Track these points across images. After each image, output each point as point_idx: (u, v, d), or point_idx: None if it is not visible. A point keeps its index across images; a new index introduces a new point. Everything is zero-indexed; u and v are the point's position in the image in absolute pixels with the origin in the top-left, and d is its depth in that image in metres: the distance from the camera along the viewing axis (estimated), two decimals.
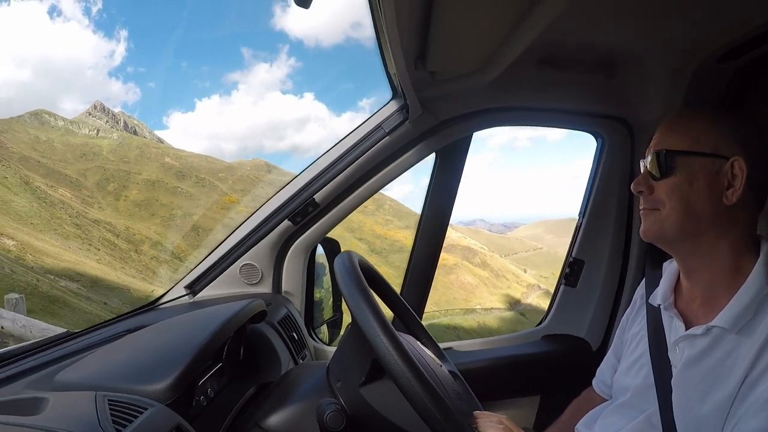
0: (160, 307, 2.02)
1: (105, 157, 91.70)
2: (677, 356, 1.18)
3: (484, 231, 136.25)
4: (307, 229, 2.07)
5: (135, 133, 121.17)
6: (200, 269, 2.08)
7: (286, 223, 2.01)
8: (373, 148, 1.92)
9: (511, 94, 1.93)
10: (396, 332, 0.94)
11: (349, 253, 1.22)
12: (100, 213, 61.22)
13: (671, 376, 1.17)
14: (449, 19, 1.28)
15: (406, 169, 2.02)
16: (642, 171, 1.25)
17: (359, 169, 1.96)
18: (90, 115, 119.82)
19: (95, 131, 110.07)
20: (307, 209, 1.99)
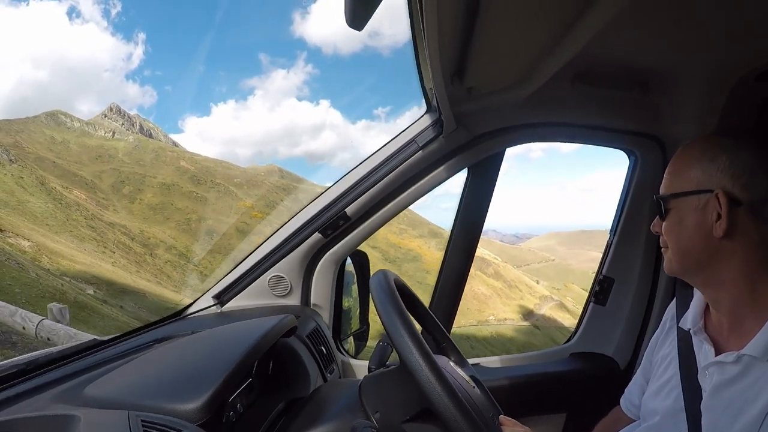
0: (189, 316, 2.03)
1: (120, 160, 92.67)
2: (707, 381, 1.17)
3: (496, 241, 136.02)
4: (338, 242, 2.08)
5: (150, 136, 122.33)
6: (228, 279, 2.08)
7: (316, 235, 2.01)
8: (405, 163, 1.92)
9: (546, 109, 1.93)
10: (447, 378, 0.95)
11: (385, 274, 1.21)
12: (114, 216, 61.66)
13: (701, 400, 1.17)
14: (489, 36, 1.29)
15: (438, 184, 2.01)
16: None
17: (391, 184, 1.96)
18: (106, 117, 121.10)
19: (111, 133, 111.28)
20: (338, 222, 2.00)
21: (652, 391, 1.37)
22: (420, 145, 1.90)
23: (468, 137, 1.95)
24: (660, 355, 1.40)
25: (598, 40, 1.25)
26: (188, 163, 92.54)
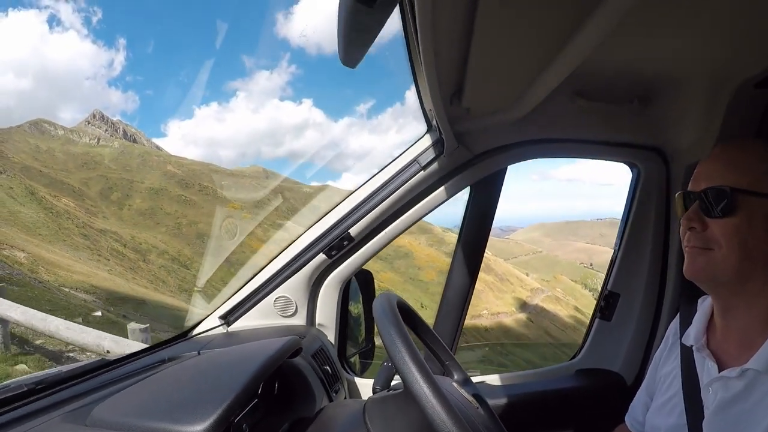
0: (196, 337, 2.04)
1: (107, 166, 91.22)
2: (710, 398, 1.15)
3: None
4: (342, 263, 2.08)
5: (135, 141, 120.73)
6: (235, 300, 2.09)
7: (321, 256, 2.02)
8: (408, 183, 1.93)
9: (546, 126, 1.94)
10: (452, 405, 0.91)
11: (388, 298, 1.18)
12: (105, 223, 60.89)
13: (703, 418, 1.15)
14: (485, 57, 1.28)
15: (441, 203, 2.01)
16: (684, 202, 1.22)
17: (394, 204, 1.97)
18: (89, 123, 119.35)
19: (96, 140, 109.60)
20: (342, 243, 2.01)
21: (655, 407, 1.37)
22: (422, 164, 1.91)
23: (469, 156, 1.96)
24: (663, 372, 1.38)
25: (595, 55, 1.23)
26: (175, 167, 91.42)
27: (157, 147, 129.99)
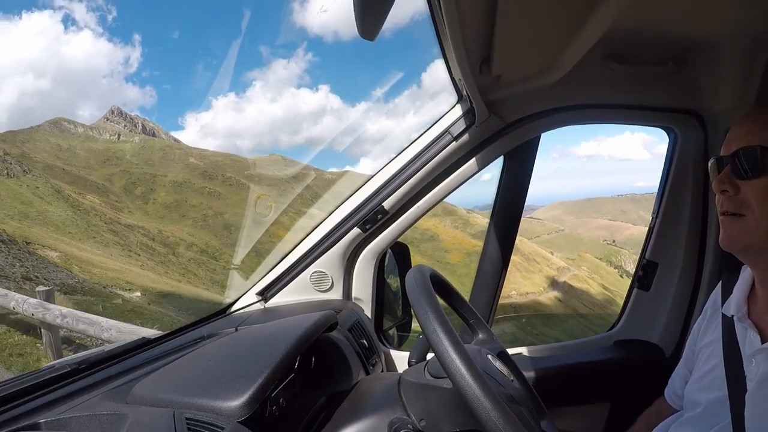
0: (234, 313, 2.06)
1: (129, 161, 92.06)
2: (753, 369, 1.11)
3: None
4: (377, 236, 2.08)
5: (153, 135, 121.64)
6: (271, 276, 2.11)
7: (355, 230, 2.03)
8: (440, 154, 1.92)
9: (579, 92, 1.91)
10: (502, 404, 0.89)
11: (421, 271, 1.17)
12: (131, 217, 61.45)
13: (746, 391, 1.10)
14: (513, 21, 1.25)
15: (474, 174, 1.99)
16: (717, 167, 1.18)
17: (427, 176, 1.96)
18: (108, 120, 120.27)
19: (116, 136, 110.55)
20: (376, 217, 2.01)
21: (694, 381, 1.32)
22: (454, 135, 1.89)
23: (501, 125, 1.92)
24: (703, 344, 1.33)
25: (628, 17, 1.20)
26: (197, 159, 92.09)
27: (176, 140, 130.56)
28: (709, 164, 1.22)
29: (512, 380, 1.21)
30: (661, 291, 2.16)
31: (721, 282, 1.36)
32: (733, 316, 1.20)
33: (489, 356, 1.24)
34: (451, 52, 1.32)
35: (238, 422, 1.05)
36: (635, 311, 2.23)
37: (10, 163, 54.16)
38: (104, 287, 18.43)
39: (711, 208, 2.02)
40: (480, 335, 1.41)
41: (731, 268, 1.32)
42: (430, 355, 1.20)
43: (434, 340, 0.95)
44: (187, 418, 1.01)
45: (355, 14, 0.83)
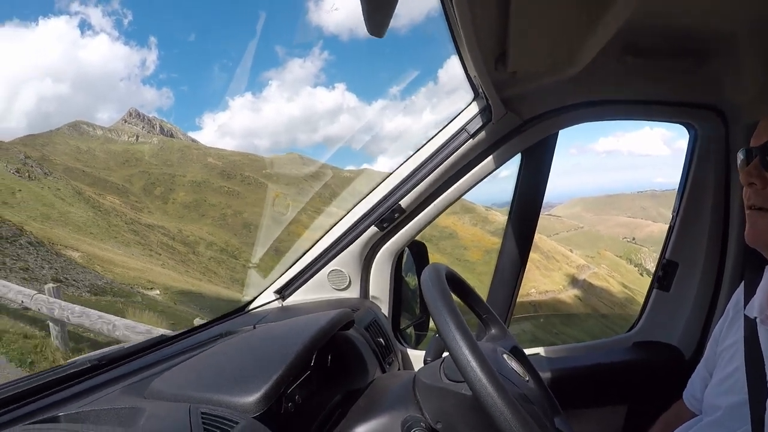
0: (252, 311, 2.08)
1: (148, 162, 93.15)
2: None
3: None
4: (394, 235, 2.07)
5: (171, 136, 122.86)
6: (289, 275, 2.11)
7: (372, 229, 2.02)
8: (457, 152, 1.90)
9: (596, 88, 1.87)
10: (521, 411, 0.88)
11: (436, 269, 1.16)
12: (151, 217, 62.20)
13: (767, 396, 1.06)
14: (527, 17, 1.23)
15: (492, 171, 1.97)
16: (746, 159, 1.14)
17: (444, 174, 1.95)
18: (126, 122, 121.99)
19: (134, 137, 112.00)
20: (393, 215, 1.99)
21: (714, 384, 1.28)
22: (470, 133, 1.87)
23: (518, 122, 1.90)
24: (724, 346, 1.29)
25: (645, 9, 1.17)
26: (215, 159, 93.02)
27: (193, 140, 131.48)
28: (738, 156, 1.18)
29: (527, 380, 1.19)
30: (681, 292, 2.11)
31: (743, 282, 1.32)
32: (756, 318, 1.16)
33: (504, 355, 1.22)
34: (465, 49, 1.32)
35: (253, 417, 1.06)
36: (655, 312, 2.19)
37: (32, 166, 55.08)
38: (131, 287, 18.55)
39: (733, 206, 1.97)
40: (493, 330, 1.39)
41: (754, 268, 1.28)
42: (445, 353, 1.20)
43: (450, 342, 0.93)
44: (202, 413, 1.02)
45: (362, 10, 0.83)
